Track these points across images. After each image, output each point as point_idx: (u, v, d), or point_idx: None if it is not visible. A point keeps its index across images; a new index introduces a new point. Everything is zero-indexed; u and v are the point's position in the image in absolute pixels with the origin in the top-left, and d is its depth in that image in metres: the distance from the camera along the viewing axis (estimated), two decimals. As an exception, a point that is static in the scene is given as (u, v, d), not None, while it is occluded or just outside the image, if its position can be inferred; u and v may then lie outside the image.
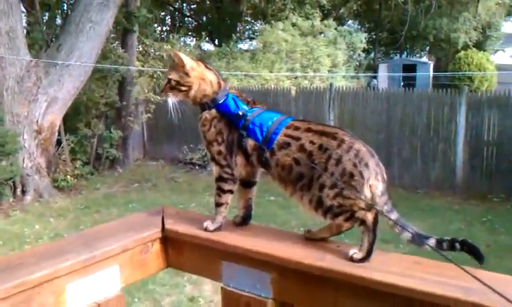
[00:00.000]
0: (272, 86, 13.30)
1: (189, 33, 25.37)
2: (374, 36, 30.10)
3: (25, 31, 10.48)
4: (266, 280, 1.46)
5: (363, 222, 1.44)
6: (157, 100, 12.24)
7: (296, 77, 16.08)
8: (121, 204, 9.20)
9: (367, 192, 1.44)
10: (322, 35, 19.29)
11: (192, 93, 1.66)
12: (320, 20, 19.35)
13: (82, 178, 10.97)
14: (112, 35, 12.99)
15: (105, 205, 9.18)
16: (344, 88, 11.96)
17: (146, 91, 12.68)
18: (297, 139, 1.52)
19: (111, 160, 12.30)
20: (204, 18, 26.65)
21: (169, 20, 24.82)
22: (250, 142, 1.59)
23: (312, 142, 1.51)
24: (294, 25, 18.24)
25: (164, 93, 1.68)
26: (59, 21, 13.68)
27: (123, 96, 12.34)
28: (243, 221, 1.68)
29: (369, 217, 1.44)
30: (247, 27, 25.82)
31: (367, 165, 1.45)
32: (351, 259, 1.38)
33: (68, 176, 10.40)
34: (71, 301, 1.39)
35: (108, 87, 12.07)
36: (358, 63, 24.07)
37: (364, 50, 23.60)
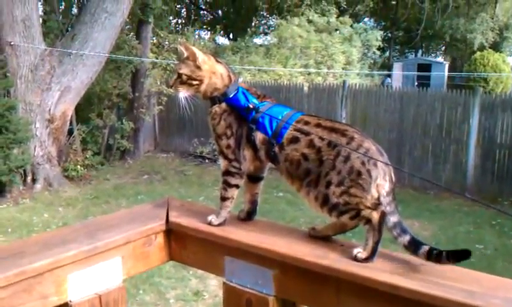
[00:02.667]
0: (285, 82, 13.26)
1: (204, 26, 25.35)
2: (389, 35, 29.92)
3: (41, 19, 10.53)
4: (268, 276, 1.44)
5: (368, 221, 1.42)
6: (169, 93, 12.24)
7: (309, 73, 16.02)
8: (130, 195, 9.23)
9: (373, 192, 1.42)
10: (338, 32, 19.20)
11: (203, 87, 1.64)
12: (336, 17, 19.24)
13: (93, 168, 11.03)
14: (127, 26, 13.02)
15: (114, 196, 9.22)
16: (357, 86, 11.88)
17: (158, 83, 12.71)
18: (307, 134, 1.51)
19: (121, 151, 12.35)
20: (219, 12, 26.63)
21: (185, 12, 24.81)
22: (259, 136, 1.57)
23: (321, 138, 1.48)
24: (309, 21, 18.15)
25: (174, 88, 1.66)
26: (74, 10, 13.75)
27: (136, 87, 12.38)
28: (248, 216, 1.67)
29: (375, 216, 1.41)
30: (262, 21, 25.75)
31: (375, 164, 1.44)
32: (355, 258, 1.36)
33: (79, 166, 10.44)
34: (72, 291, 1.38)
35: (121, 79, 12.11)
36: (372, 61, 23.93)
37: (379, 48, 23.44)
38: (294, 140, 1.52)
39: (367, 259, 1.36)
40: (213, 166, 11.50)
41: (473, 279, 1.25)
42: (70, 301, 1.38)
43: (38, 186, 9.46)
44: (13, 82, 9.27)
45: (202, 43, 18.81)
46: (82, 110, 11.74)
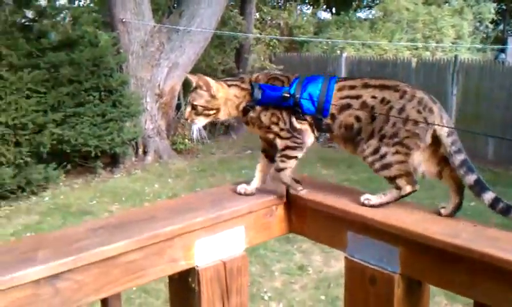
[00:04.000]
0: (391, 57, 12.84)
1: (306, 1, 25.09)
2: (504, 7, 27.97)
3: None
4: (394, 254, 1.40)
5: (399, 188, 1.51)
6: (272, 69, 12.28)
7: (416, 48, 15.40)
8: (234, 169, 9.41)
9: (428, 138, 1.47)
10: (447, 4, 18.23)
11: (222, 113, 1.64)
12: (447, -12, 18.29)
13: (199, 142, 11.34)
14: (231, 2, 13.18)
15: (219, 170, 9.46)
16: (470, 61, 11.25)
17: (262, 59, 12.78)
18: (357, 97, 1.54)
19: (226, 126, 12.61)
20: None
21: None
22: (307, 117, 1.60)
23: (373, 97, 1.52)
24: (417, -7, 17.40)
25: (190, 120, 1.64)
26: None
27: (240, 63, 12.55)
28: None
29: (407, 189, 1.50)
30: (367, -6, 25.03)
31: (431, 110, 1.48)
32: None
33: (186, 140, 10.79)
34: (199, 256, 1.42)
35: (226, 55, 12.33)
36: (485, 35, 22.51)
37: (492, 22, 21.99)
38: (346, 107, 1.54)
39: (373, 206, 1.49)
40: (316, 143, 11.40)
41: None
42: (197, 266, 1.42)
43: (149, 158, 9.90)
44: (125, 58, 9.71)
45: (304, 17, 18.67)
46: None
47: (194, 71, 11.32)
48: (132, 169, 9.35)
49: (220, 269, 1.46)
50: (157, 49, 10.14)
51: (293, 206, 1.66)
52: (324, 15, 22.99)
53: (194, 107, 1.63)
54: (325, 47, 15.22)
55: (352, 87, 1.56)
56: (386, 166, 1.50)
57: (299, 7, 21.21)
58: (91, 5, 13.57)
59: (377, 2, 20.54)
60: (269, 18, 15.53)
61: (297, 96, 1.57)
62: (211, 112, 1.63)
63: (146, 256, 1.32)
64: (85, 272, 1.19)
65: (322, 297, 4.80)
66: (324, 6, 23.04)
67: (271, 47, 13.67)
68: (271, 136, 1.64)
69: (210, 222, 1.42)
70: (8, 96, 7.47)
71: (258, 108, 1.63)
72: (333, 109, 1.55)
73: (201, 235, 1.41)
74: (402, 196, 1.51)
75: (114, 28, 9.82)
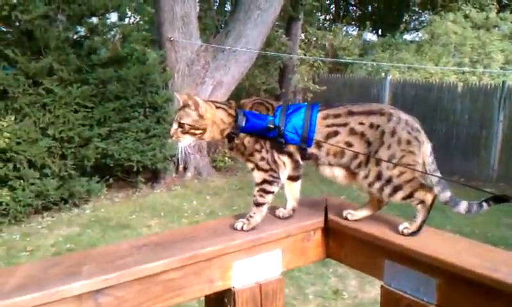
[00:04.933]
0: (437, 80, 12.66)
1: (352, 22, 25.06)
2: (556, 32, 27.22)
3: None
4: (431, 285, 1.39)
5: (421, 202, 1.55)
6: (315, 89, 12.29)
7: (463, 72, 15.13)
8: (272, 189, 9.39)
9: (421, 155, 1.56)
10: (497, 29, 17.87)
11: (207, 134, 1.64)
12: (496, 12, 17.91)
13: (238, 160, 11.39)
14: (277, 23, 13.31)
15: (257, 189, 9.44)
16: (518, 87, 10.96)
17: (305, 79, 12.81)
18: (344, 124, 1.58)
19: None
20: (369, 7, 26.11)
21: (333, 8, 24.69)
22: (291, 146, 1.62)
23: (361, 123, 1.57)
24: (466, 16, 17.11)
25: (175, 138, 1.64)
26: (228, 7, 14.34)
27: (283, 83, 12.60)
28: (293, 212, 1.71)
29: (429, 198, 1.54)
30: (413, 17, 24.82)
31: (418, 129, 1.57)
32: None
33: (226, 158, 10.87)
34: (236, 278, 1.45)
35: (269, 74, 12.40)
36: (536, 61, 21.92)
37: (544, 47, 21.40)
38: (333, 134, 1.58)
39: (413, 233, 1.51)
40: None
41: None
42: (233, 287, 1.45)
43: (189, 174, 10.00)
44: (171, 76, 9.89)
45: (350, 39, 18.63)
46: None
47: (237, 90, 11.47)
48: (172, 185, 9.46)
49: (256, 291, 1.48)
50: (202, 68, 10.28)
51: (331, 231, 1.67)
52: (370, 37, 22.91)
53: (181, 125, 1.63)
54: (370, 69, 15.15)
55: (337, 116, 1.60)
56: (398, 188, 1.55)
57: (344, 28, 21.21)
58: (141, 23, 13.91)
59: (425, 25, 20.33)
60: (314, 39, 15.58)
61: (282, 128, 1.59)
62: (197, 131, 1.63)
63: (185, 275, 1.35)
64: (126, 288, 1.24)
65: (358, 323, 4.74)
66: (370, 28, 22.98)
67: (314, 68, 13.69)
68: (250, 166, 1.67)
69: (248, 244, 1.45)
70: (56, 109, 7.69)
71: (242, 134, 1.65)
72: (319, 137, 1.59)
73: (238, 257, 1.44)
74: (430, 208, 1.55)
75: (162, 46, 10.02)
